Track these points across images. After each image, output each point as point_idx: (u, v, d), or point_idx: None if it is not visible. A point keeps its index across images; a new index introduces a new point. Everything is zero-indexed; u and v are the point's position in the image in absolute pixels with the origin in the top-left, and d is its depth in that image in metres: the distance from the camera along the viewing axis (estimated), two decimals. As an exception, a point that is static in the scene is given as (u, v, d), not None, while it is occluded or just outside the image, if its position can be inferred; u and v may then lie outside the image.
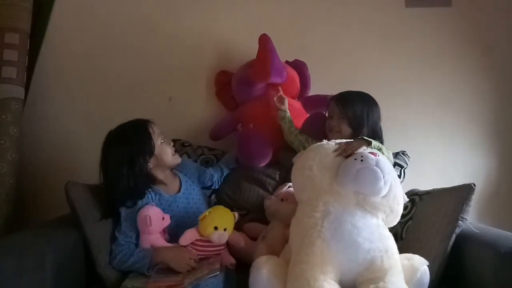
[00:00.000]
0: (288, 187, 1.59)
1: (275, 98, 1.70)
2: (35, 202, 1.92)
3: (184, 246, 1.32)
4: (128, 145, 1.35)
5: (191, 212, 1.47)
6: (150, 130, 1.38)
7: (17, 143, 1.77)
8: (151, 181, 1.41)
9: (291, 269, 1.11)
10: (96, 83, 1.99)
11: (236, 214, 1.39)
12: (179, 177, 1.52)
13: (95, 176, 1.66)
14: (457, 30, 2.02)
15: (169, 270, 1.28)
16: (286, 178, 1.67)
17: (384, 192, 1.17)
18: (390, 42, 2.02)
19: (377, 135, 1.51)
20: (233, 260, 1.35)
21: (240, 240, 1.37)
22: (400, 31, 2.03)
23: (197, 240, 1.32)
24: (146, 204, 1.36)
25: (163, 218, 1.36)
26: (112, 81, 1.99)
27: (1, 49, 1.75)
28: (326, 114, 1.61)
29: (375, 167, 1.15)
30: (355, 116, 1.49)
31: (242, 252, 1.39)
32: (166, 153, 1.42)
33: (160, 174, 1.44)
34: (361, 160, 1.17)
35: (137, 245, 1.34)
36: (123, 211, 1.35)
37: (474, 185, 1.31)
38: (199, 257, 1.31)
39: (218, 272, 1.19)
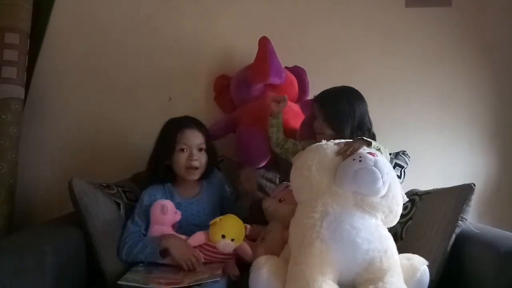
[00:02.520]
0: (286, 187, 1.58)
1: (271, 99, 1.61)
2: (35, 202, 1.92)
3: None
4: (161, 135, 1.49)
5: (196, 221, 1.44)
6: (179, 135, 1.42)
7: (17, 143, 1.77)
8: (171, 175, 1.46)
9: (290, 270, 1.10)
10: (96, 83, 1.98)
11: (248, 226, 1.36)
12: (203, 185, 1.51)
13: (95, 176, 1.67)
14: (457, 30, 2.02)
15: (169, 269, 1.28)
16: (286, 181, 1.65)
17: (382, 193, 1.17)
18: (390, 42, 2.02)
19: (365, 128, 1.50)
20: (237, 272, 1.33)
21: (248, 252, 1.34)
22: (400, 31, 2.03)
23: (205, 244, 1.32)
24: (159, 199, 1.38)
25: (175, 212, 1.38)
26: (112, 81, 1.98)
27: (1, 49, 1.74)
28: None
29: (373, 168, 1.15)
30: (336, 118, 1.48)
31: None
32: (178, 162, 1.43)
33: (180, 176, 1.46)
34: (360, 161, 1.16)
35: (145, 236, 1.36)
36: (138, 204, 1.40)
37: (474, 185, 1.31)
38: (204, 261, 1.30)
39: (219, 278, 1.18)
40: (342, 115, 1.48)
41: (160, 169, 1.45)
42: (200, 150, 1.45)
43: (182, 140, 1.42)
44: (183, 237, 1.35)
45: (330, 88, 1.57)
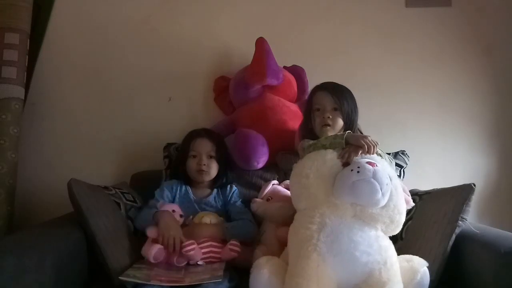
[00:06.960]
0: (272, 185, 1.57)
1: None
2: (35, 202, 1.92)
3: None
4: (181, 144, 1.70)
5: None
6: (191, 144, 1.61)
7: (17, 143, 1.77)
8: (186, 176, 1.61)
9: (287, 281, 1.08)
10: (96, 83, 1.98)
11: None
12: (213, 191, 1.60)
13: (95, 176, 1.67)
14: (457, 30, 2.02)
15: (171, 268, 1.29)
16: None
17: (382, 204, 1.13)
18: (390, 42, 2.02)
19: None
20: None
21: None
22: (400, 31, 2.03)
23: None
24: (175, 185, 1.58)
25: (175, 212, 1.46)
26: (112, 81, 1.98)
27: (1, 49, 1.74)
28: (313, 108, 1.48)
29: (372, 179, 1.09)
30: (349, 109, 1.43)
31: (237, 260, 1.39)
32: (189, 166, 1.59)
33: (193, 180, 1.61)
34: (358, 172, 1.11)
35: None
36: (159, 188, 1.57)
37: (474, 185, 1.31)
38: (203, 257, 1.34)
39: (220, 280, 1.19)
40: (353, 107, 1.45)
41: (179, 172, 1.62)
42: (210, 157, 1.59)
43: (194, 147, 1.60)
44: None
45: (331, 82, 1.51)
